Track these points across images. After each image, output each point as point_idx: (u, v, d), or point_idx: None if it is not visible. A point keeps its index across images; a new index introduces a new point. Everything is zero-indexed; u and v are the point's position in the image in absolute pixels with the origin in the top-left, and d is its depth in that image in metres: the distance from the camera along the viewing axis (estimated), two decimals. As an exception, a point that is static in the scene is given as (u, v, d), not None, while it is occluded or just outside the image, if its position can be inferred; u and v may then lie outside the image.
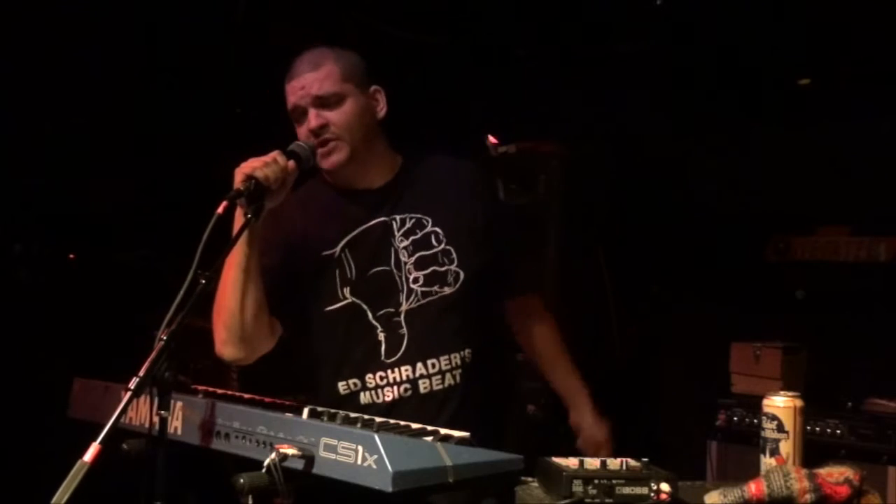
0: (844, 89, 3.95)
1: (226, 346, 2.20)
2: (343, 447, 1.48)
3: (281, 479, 1.49)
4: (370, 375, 2.24)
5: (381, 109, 2.32)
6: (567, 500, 1.71)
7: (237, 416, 1.68)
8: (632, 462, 1.77)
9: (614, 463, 1.77)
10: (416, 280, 2.25)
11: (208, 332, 2.22)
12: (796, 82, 4.18)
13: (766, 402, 1.92)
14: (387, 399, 2.23)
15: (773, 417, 1.89)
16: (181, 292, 1.69)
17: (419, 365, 2.23)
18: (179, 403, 1.77)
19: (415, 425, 1.80)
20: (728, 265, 4.25)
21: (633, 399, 4.33)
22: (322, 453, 1.51)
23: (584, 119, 4.46)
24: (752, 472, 1.84)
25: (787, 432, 1.88)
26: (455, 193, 2.33)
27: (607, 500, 1.71)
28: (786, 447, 1.87)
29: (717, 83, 4.19)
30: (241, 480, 1.48)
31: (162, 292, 1.76)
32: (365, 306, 2.25)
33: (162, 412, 1.62)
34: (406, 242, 2.26)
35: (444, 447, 1.55)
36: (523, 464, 1.66)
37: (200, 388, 1.94)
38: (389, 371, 2.23)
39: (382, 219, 2.28)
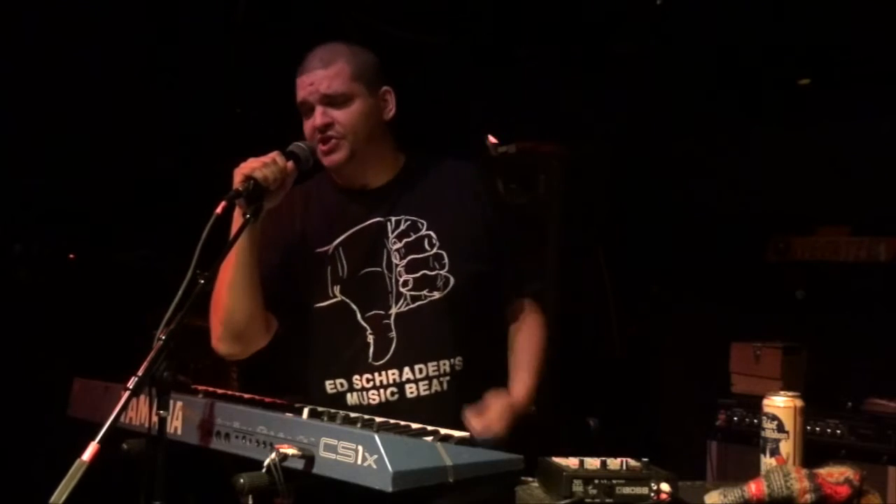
0: (844, 89, 3.96)
1: (221, 341, 2.22)
2: (343, 447, 1.48)
3: (281, 479, 1.49)
4: (357, 377, 2.24)
5: (390, 111, 2.30)
6: (567, 500, 1.70)
7: (237, 416, 1.68)
8: (632, 462, 1.77)
9: (614, 463, 1.77)
10: (405, 283, 2.23)
11: (208, 331, 2.23)
12: (796, 82, 4.18)
13: (766, 402, 1.92)
14: (373, 402, 2.22)
15: (773, 417, 1.89)
16: (180, 292, 1.69)
17: (406, 369, 2.22)
18: (179, 403, 1.77)
19: (415, 425, 1.80)
20: (728, 265, 4.26)
21: (633, 399, 4.34)
22: (322, 453, 1.51)
23: (584, 119, 4.46)
24: (752, 472, 1.84)
25: (787, 432, 1.88)
26: (455, 196, 2.31)
27: (607, 500, 1.71)
28: (786, 447, 1.87)
29: (717, 83, 4.19)
30: (241, 480, 1.48)
31: (162, 292, 1.76)
32: (354, 306, 2.25)
33: (161, 412, 1.62)
34: (399, 245, 2.25)
35: (444, 447, 1.55)
36: (523, 464, 1.66)
37: (200, 387, 1.94)
38: (377, 374, 2.23)
39: (378, 219, 2.27)
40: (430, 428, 1.78)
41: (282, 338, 2.32)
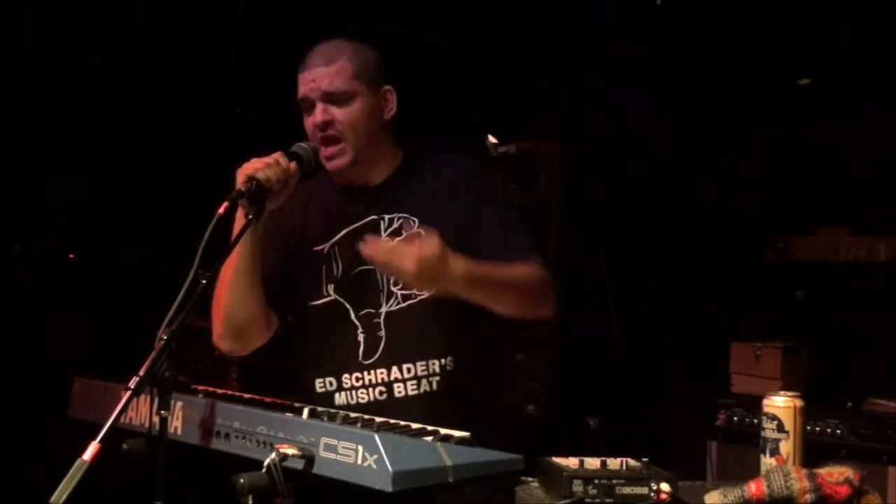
0: (844, 89, 3.96)
1: (222, 339, 2.25)
2: (343, 447, 1.48)
3: (281, 479, 1.49)
4: (346, 376, 2.24)
5: (391, 110, 2.30)
6: (567, 500, 1.70)
7: (237, 416, 1.68)
8: (632, 462, 1.77)
9: (614, 463, 1.77)
10: (396, 282, 2.22)
11: (209, 331, 2.24)
12: (796, 82, 4.18)
13: (766, 402, 1.92)
14: (361, 401, 2.23)
15: (773, 417, 1.89)
16: (182, 292, 1.69)
17: (394, 369, 2.21)
18: (179, 403, 1.77)
19: (415, 425, 1.80)
20: (728, 265, 4.26)
21: (633, 399, 4.33)
22: (322, 453, 1.51)
23: (584, 119, 4.46)
24: (752, 472, 1.84)
25: (787, 432, 1.88)
26: (449, 190, 2.28)
27: (607, 500, 1.71)
28: (786, 447, 1.87)
29: (717, 83, 4.19)
30: (241, 480, 1.48)
31: (162, 292, 1.76)
32: (348, 305, 2.25)
33: (162, 412, 1.62)
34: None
35: (444, 447, 1.55)
36: (523, 464, 1.66)
37: (200, 387, 1.94)
38: (365, 373, 2.23)
39: (373, 217, 2.27)
40: (430, 428, 1.78)
41: (281, 337, 2.33)
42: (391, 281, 2.23)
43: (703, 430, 3.93)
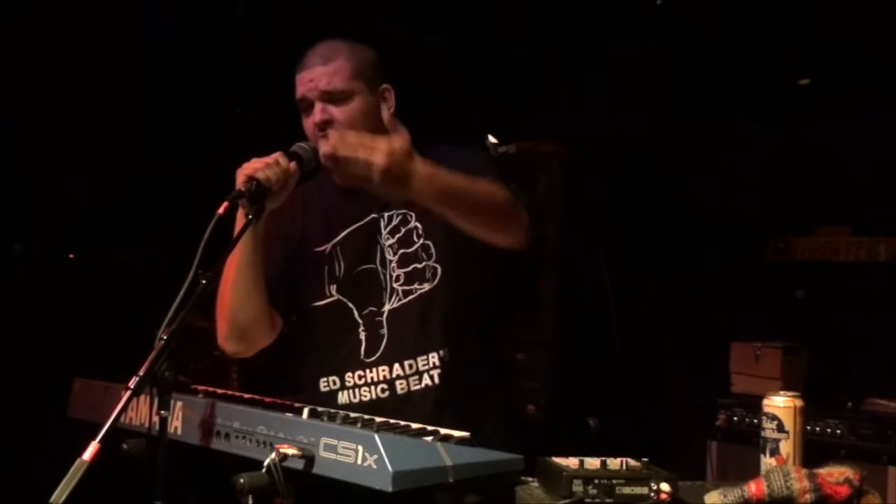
0: (844, 89, 3.95)
1: (227, 340, 2.25)
2: (343, 447, 1.48)
3: (281, 479, 1.49)
4: (349, 374, 2.24)
5: (390, 108, 2.30)
6: (567, 500, 1.70)
7: (237, 416, 1.68)
8: (632, 462, 1.77)
9: (614, 463, 1.77)
10: (397, 279, 2.23)
11: (209, 331, 2.24)
12: (796, 82, 4.18)
13: (766, 402, 1.92)
14: (364, 399, 2.23)
15: (773, 417, 1.89)
16: (181, 292, 1.69)
17: (396, 366, 2.21)
18: (179, 403, 1.77)
19: (415, 425, 1.80)
20: (728, 265, 4.26)
21: (633, 399, 4.33)
22: (322, 453, 1.51)
23: (584, 119, 4.46)
24: (752, 472, 1.84)
25: (787, 432, 1.88)
26: None
27: (607, 500, 1.71)
28: (786, 447, 1.87)
29: (716, 83, 4.19)
30: (241, 480, 1.48)
31: (162, 292, 1.76)
32: (351, 305, 2.25)
33: (162, 412, 1.62)
34: (392, 240, 2.24)
35: (444, 447, 1.55)
36: (523, 464, 1.66)
37: (200, 387, 1.94)
38: (367, 371, 2.23)
39: (373, 216, 2.27)
40: (430, 428, 1.78)
41: (283, 338, 2.33)
42: (393, 277, 2.23)
43: (703, 430, 3.93)
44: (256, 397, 1.97)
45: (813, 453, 1.89)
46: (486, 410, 2.27)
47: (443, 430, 1.74)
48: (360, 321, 2.24)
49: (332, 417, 1.73)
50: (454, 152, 2.19)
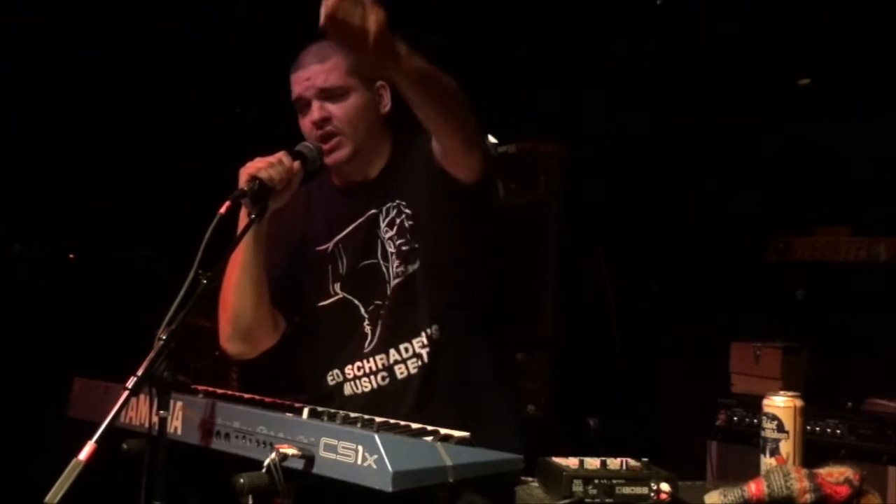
0: (844, 89, 3.95)
1: (230, 341, 2.25)
2: (343, 447, 1.48)
3: (281, 479, 1.49)
4: (350, 367, 2.25)
5: (386, 105, 2.31)
6: (567, 500, 1.70)
7: (237, 416, 1.68)
8: (632, 462, 1.77)
9: (614, 463, 1.77)
10: (397, 268, 2.24)
11: (209, 331, 2.24)
12: (796, 82, 4.18)
13: (766, 402, 1.92)
14: (365, 389, 2.23)
15: (773, 417, 1.89)
16: (182, 292, 1.69)
17: (392, 351, 2.21)
18: (179, 403, 1.77)
19: (415, 425, 1.80)
20: (728, 265, 4.25)
21: (633, 399, 4.33)
22: (322, 453, 1.51)
23: (584, 119, 4.46)
24: (752, 472, 1.84)
25: (787, 432, 1.88)
26: (422, 169, 2.26)
27: (607, 500, 1.71)
28: (786, 447, 1.87)
29: (716, 83, 4.19)
30: (241, 480, 1.48)
31: (162, 292, 1.76)
32: (357, 301, 2.26)
33: (161, 412, 1.62)
34: (391, 232, 2.25)
35: (444, 447, 1.55)
36: (523, 464, 1.66)
37: (200, 387, 1.94)
38: (366, 361, 2.23)
39: (373, 211, 2.27)
40: (430, 428, 1.78)
41: (285, 338, 2.33)
42: (395, 271, 2.23)
43: (703, 430, 3.93)
44: (256, 397, 1.97)
45: (813, 453, 1.89)
46: (486, 398, 2.25)
47: (443, 431, 1.74)
48: (365, 316, 2.25)
49: (331, 417, 1.73)
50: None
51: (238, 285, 2.16)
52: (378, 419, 1.79)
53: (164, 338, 1.62)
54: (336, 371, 2.27)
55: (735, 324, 4.11)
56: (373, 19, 1.82)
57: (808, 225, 4.14)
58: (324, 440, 1.51)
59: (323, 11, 1.82)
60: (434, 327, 2.20)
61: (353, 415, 1.84)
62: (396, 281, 2.22)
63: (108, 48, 4.15)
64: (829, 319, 3.93)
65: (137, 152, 4.48)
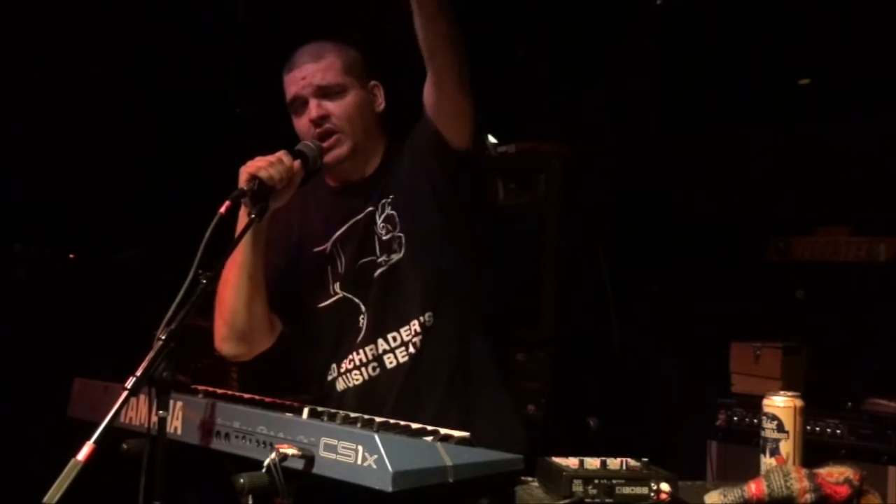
0: (844, 89, 3.95)
1: (225, 342, 2.24)
2: (343, 447, 1.48)
3: (281, 479, 1.49)
4: (344, 361, 2.25)
5: (380, 104, 2.32)
6: (567, 500, 1.70)
7: (237, 416, 1.68)
8: (632, 462, 1.77)
9: (614, 463, 1.77)
10: (380, 258, 2.24)
11: (208, 331, 2.23)
12: (796, 82, 4.18)
13: (766, 402, 1.92)
14: (356, 382, 2.23)
15: (773, 417, 1.89)
16: (181, 292, 1.69)
17: (380, 341, 2.21)
18: (179, 403, 1.77)
19: (415, 425, 1.80)
20: (728, 265, 4.25)
21: (633, 399, 4.33)
22: (322, 453, 1.51)
23: (584, 119, 4.46)
24: (752, 472, 1.84)
25: (787, 432, 1.88)
26: (408, 160, 2.29)
27: (607, 500, 1.71)
28: (786, 447, 1.87)
29: (716, 83, 4.19)
30: (241, 480, 1.48)
31: (162, 292, 1.76)
32: (357, 300, 2.25)
33: (161, 412, 1.61)
34: (386, 228, 2.26)
35: (444, 447, 1.55)
36: (523, 464, 1.66)
37: (200, 388, 1.94)
38: (355, 353, 2.24)
39: (369, 209, 2.28)
40: (430, 428, 1.78)
41: (284, 338, 2.33)
42: (379, 263, 2.24)
43: (703, 430, 3.93)
44: (256, 397, 1.97)
45: (813, 453, 1.89)
46: (487, 388, 2.25)
47: (443, 430, 1.74)
48: (364, 312, 2.24)
49: (331, 417, 1.73)
50: (418, 124, 2.22)
51: (236, 285, 2.16)
52: (378, 419, 1.79)
53: (163, 338, 1.62)
54: (334, 367, 2.27)
55: (735, 324, 4.10)
56: None
57: (808, 225, 4.14)
58: (324, 440, 1.51)
59: None
60: (427, 315, 2.20)
61: (353, 415, 1.84)
62: (379, 270, 2.22)
63: (108, 48, 4.16)
64: (829, 319, 3.93)
65: (137, 152, 4.48)
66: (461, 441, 1.67)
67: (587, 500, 1.70)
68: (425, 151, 2.20)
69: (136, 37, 4.24)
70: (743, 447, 3.71)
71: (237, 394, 2.03)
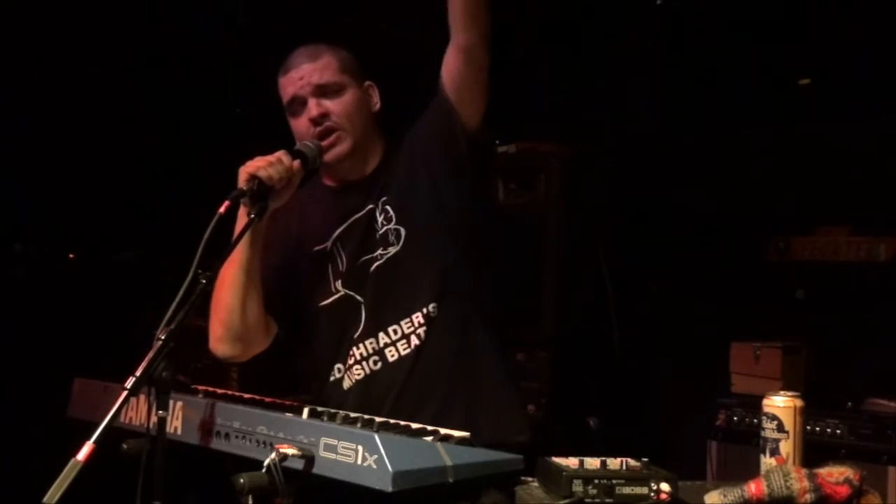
0: (844, 89, 3.95)
1: (221, 342, 2.23)
2: (343, 447, 1.48)
3: (281, 479, 1.49)
4: (347, 358, 2.25)
5: (376, 103, 2.34)
6: (567, 500, 1.70)
7: (237, 416, 1.68)
8: (632, 462, 1.77)
9: (614, 463, 1.77)
10: (378, 252, 2.25)
11: (208, 331, 2.23)
12: (796, 82, 4.18)
13: (766, 402, 1.92)
14: (358, 377, 2.23)
15: (773, 417, 1.89)
16: (181, 292, 1.69)
17: (381, 335, 2.21)
18: (179, 403, 1.77)
19: (415, 425, 1.80)
20: (728, 265, 4.25)
21: (633, 399, 4.33)
22: (322, 453, 1.51)
23: (584, 119, 4.46)
24: (752, 472, 1.84)
25: (787, 432, 1.88)
26: (407, 155, 2.29)
27: (607, 500, 1.71)
28: (786, 447, 1.87)
29: (716, 83, 4.19)
30: (241, 480, 1.48)
31: (162, 292, 1.76)
32: (359, 297, 2.25)
33: (161, 412, 1.61)
34: (387, 225, 2.26)
35: (444, 447, 1.55)
36: (523, 464, 1.66)
37: (200, 388, 1.94)
38: (356, 348, 2.23)
39: (370, 206, 2.28)
40: (430, 428, 1.78)
41: (284, 337, 2.32)
42: (377, 257, 2.24)
43: (703, 430, 3.93)
44: (256, 397, 1.97)
45: (813, 453, 1.89)
46: (491, 383, 2.25)
47: (443, 430, 1.74)
48: (364, 307, 2.25)
49: (331, 417, 1.73)
50: (424, 114, 2.26)
51: (233, 285, 2.15)
52: (378, 419, 1.79)
53: (163, 338, 1.62)
54: (338, 367, 2.27)
55: (735, 324, 4.10)
56: None
57: (808, 225, 4.14)
58: (324, 440, 1.51)
59: None
60: (432, 306, 2.19)
61: (353, 415, 1.84)
62: (377, 264, 2.23)
63: (108, 48, 4.16)
64: (829, 319, 3.93)
65: (137, 152, 4.48)
66: (461, 441, 1.67)
67: (587, 500, 1.70)
68: (434, 136, 2.22)
69: (136, 37, 4.24)
70: (743, 447, 3.71)
71: (237, 394, 2.03)
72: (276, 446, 1.52)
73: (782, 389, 2.01)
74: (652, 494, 1.70)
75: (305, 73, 2.23)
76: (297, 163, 2.12)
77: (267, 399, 1.97)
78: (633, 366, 4.33)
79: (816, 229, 4.11)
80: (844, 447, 3.46)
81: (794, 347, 3.92)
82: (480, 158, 2.27)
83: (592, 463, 1.77)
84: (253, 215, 2.00)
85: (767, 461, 1.89)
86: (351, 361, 2.24)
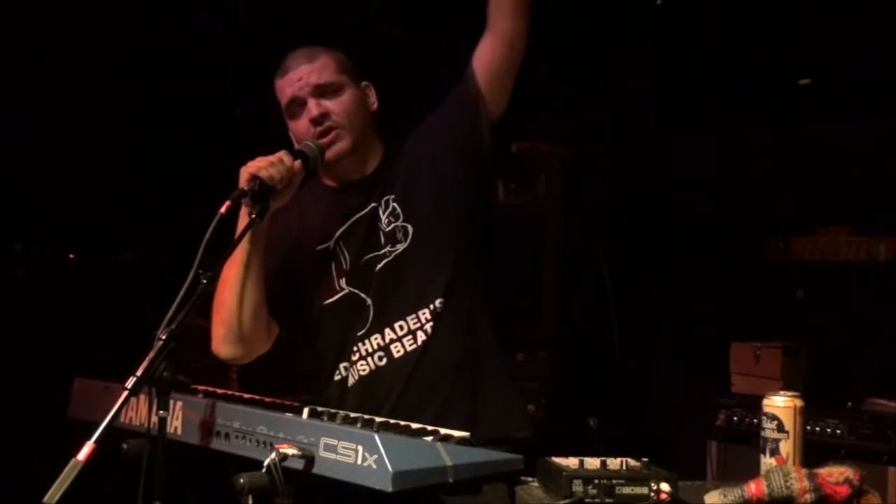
0: (844, 89, 3.95)
1: (223, 344, 2.23)
2: (343, 447, 1.48)
3: (281, 479, 1.49)
4: (351, 355, 2.24)
5: (374, 103, 2.35)
6: (567, 500, 1.70)
7: (237, 416, 1.68)
8: (632, 462, 1.77)
9: (614, 463, 1.77)
10: (384, 249, 2.25)
11: (209, 331, 2.23)
12: (796, 82, 4.18)
13: (766, 402, 1.92)
14: (363, 373, 2.23)
15: (773, 417, 1.89)
16: (182, 292, 1.69)
17: (387, 331, 2.21)
18: (179, 403, 1.77)
19: (415, 425, 1.80)
20: (728, 265, 4.25)
21: (633, 399, 4.33)
22: (322, 453, 1.51)
23: (584, 119, 4.46)
24: (752, 472, 1.84)
25: (787, 432, 1.88)
26: (411, 150, 2.30)
27: (607, 500, 1.71)
28: (786, 447, 1.87)
29: (717, 83, 4.19)
30: (241, 480, 1.48)
31: (162, 292, 1.76)
32: (363, 294, 2.25)
33: (161, 412, 1.61)
34: (392, 223, 2.26)
35: (444, 447, 1.55)
36: (523, 464, 1.66)
37: (200, 388, 1.94)
38: (361, 344, 2.23)
39: (373, 205, 2.28)
40: (430, 428, 1.78)
41: (285, 339, 2.32)
42: (384, 254, 2.24)
43: (703, 430, 3.93)
44: (256, 397, 1.97)
45: (813, 453, 1.89)
46: (494, 381, 2.25)
47: (443, 430, 1.74)
48: (371, 303, 2.25)
49: (331, 417, 1.73)
50: (439, 107, 2.31)
51: (235, 286, 2.15)
52: (378, 419, 1.79)
53: (163, 338, 1.62)
54: (344, 364, 2.27)
55: (735, 324, 4.11)
56: None
57: (808, 225, 4.14)
58: (324, 440, 1.51)
59: None
60: (438, 301, 2.20)
61: (353, 415, 1.84)
62: (385, 261, 2.23)
63: (108, 48, 4.15)
64: (829, 319, 3.93)
65: (137, 152, 4.48)
66: (461, 441, 1.67)
67: (587, 500, 1.70)
68: (449, 128, 2.26)
69: (136, 37, 4.24)
70: (743, 447, 3.71)
71: (237, 394, 2.03)
72: (276, 446, 1.52)
73: (782, 389, 2.02)
74: (652, 494, 1.70)
75: (304, 74, 2.24)
76: (298, 163, 2.12)
77: (267, 399, 1.97)
78: (633, 366, 4.33)
79: (816, 229, 4.11)
80: (844, 447, 3.46)
81: (794, 347, 3.93)
82: (490, 154, 2.28)
83: (592, 463, 1.77)
84: (254, 215, 2.00)
85: (767, 461, 1.89)
86: (355, 358, 2.23)
